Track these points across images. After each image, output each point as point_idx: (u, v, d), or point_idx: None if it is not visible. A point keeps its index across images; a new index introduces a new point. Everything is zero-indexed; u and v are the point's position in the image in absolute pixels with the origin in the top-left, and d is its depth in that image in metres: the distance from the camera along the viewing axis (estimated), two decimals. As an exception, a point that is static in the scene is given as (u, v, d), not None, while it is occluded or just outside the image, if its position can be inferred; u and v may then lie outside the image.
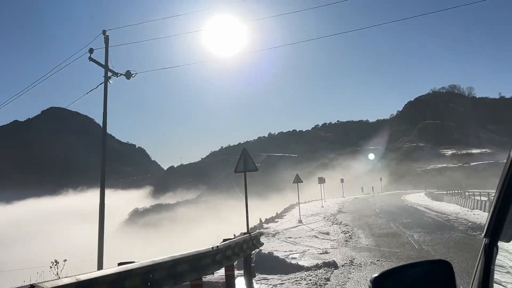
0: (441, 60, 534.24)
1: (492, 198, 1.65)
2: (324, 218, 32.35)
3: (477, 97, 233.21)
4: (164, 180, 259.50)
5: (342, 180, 73.72)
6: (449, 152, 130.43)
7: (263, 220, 32.87)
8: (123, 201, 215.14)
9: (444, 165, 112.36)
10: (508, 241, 1.55)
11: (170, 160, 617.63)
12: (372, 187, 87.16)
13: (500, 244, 1.57)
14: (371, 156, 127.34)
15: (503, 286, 1.55)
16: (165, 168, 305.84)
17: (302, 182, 35.59)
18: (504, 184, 1.48)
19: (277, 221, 33.04)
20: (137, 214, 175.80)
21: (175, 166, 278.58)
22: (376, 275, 1.59)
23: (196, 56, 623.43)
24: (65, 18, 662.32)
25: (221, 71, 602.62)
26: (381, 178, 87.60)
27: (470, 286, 1.71)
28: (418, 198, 56.10)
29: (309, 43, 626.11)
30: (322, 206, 47.32)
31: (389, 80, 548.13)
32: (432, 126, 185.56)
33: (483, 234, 1.65)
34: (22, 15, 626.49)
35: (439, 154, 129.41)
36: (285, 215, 39.19)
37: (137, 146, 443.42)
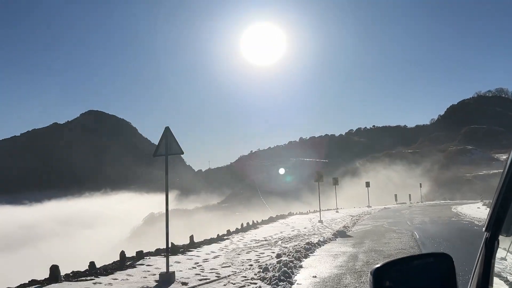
0: (487, 62, 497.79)
1: None
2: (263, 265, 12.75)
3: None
4: (191, 184, 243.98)
5: (367, 184, 53.34)
6: (503, 156, 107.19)
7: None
8: (145, 204, 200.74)
9: (501, 170, 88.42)
10: (508, 235, 1.52)
11: (203, 164, 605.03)
12: (409, 195, 66.18)
13: (501, 238, 1.53)
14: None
15: (504, 279, 1.51)
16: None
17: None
18: (506, 179, 1.45)
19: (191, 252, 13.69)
20: (152, 219, 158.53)
21: (203, 170, 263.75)
22: (377, 266, 1.54)
23: (230, 61, 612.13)
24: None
25: (254, 76, 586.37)
26: (420, 184, 66.48)
27: (471, 279, 1.67)
28: (478, 211, 34.85)
29: (343, 46, 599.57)
30: (320, 221, 27.59)
31: (429, 84, 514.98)
32: (479, 131, 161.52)
33: (483, 229, 1.61)
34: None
35: (492, 158, 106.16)
36: (226, 239, 19.60)
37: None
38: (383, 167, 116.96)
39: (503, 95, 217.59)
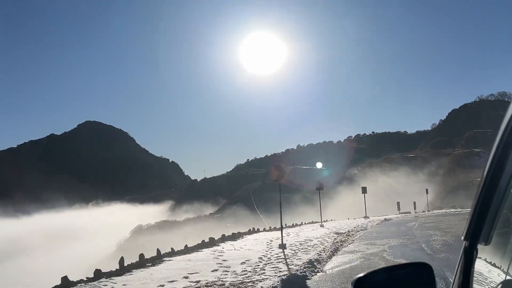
0: (489, 66, 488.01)
1: None
2: None
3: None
4: (186, 194, 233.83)
5: (363, 190, 43.63)
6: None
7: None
8: (136, 216, 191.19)
9: None
10: (487, 244, 1.52)
11: (202, 174, 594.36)
12: (414, 203, 56.30)
13: (480, 247, 1.54)
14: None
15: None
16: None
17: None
18: (484, 187, 1.46)
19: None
20: (140, 232, 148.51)
21: (198, 180, 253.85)
22: (358, 276, 1.52)
23: (227, 70, 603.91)
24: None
25: (251, 84, 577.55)
26: (427, 190, 56.50)
27: None
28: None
29: (342, 53, 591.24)
30: (282, 245, 17.23)
31: (429, 89, 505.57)
32: (483, 135, 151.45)
33: (462, 237, 1.62)
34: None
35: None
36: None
37: (170, 161, 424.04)
38: (382, 173, 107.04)
39: (506, 99, 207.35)
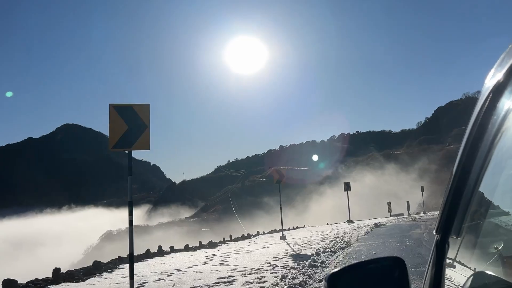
0: (474, 62, 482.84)
1: None
2: None
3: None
4: (163, 197, 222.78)
5: (346, 187, 33.62)
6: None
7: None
8: (108, 221, 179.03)
9: None
10: (458, 236, 1.54)
11: (182, 176, 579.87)
12: (408, 202, 46.51)
13: (451, 239, 1.57)
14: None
15: (453, 281, 1.53)
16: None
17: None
18: (454, 180, 1.48)
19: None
20: (109, 238, 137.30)
21: (177, 183, 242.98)
22: (331, 272, 1.52)
23: (208, 72, 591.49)
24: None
25: (234, 86, 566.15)
26: (422, 187, 46.71)
27: (423, 281, 1.68)
28: None
29: (325, 53, 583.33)
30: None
31: (414, 87, 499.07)
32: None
33: (434, 231, 1.63)
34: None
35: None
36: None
37: (151, 164, 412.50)
38: (369, 172, 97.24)
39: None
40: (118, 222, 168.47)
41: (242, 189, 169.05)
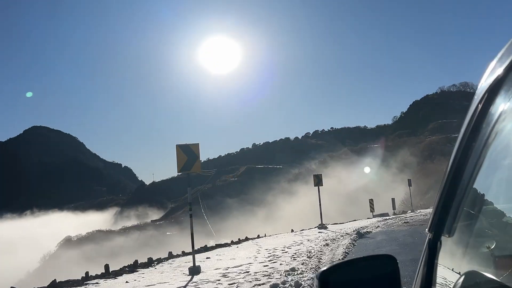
0: (448, 57, 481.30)
1: None
2: None
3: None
4: (132, 200, 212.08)
5: (317, 181, 25.05)
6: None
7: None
8: (71, 226, 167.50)
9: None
10: (450, 236, 1.54)
11: (154, 177, 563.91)
12: (393, 199, 38.41)
13: (443, 238, 1.56)
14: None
15: (446, 279, 1.54)
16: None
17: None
18: (448, 179, 1.48)
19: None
20: (68, 245, 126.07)
21: (147, 184, 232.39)
22: (322, 269, 1.50)
23: (178, 71, 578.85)
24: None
25: (205, 85, 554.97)
26: (409, 181, 38.76)
27: (415, 280, 1.66)
28: None
29: (299, 49, 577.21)
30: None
31: (389, 82, 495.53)
32: (449, 125, 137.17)
33: (426, 230, 1.63)
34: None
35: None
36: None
37: (123, 166, 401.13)
38: (344, 168, 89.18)
39: (468, 90, 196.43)
40: (81, 227, 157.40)
41: (213, 189, 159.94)
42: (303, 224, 38.94)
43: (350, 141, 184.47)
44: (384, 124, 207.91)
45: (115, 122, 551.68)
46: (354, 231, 20.37)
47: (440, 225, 1.55)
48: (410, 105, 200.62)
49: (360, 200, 52.48)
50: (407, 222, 24.90)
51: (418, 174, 55.89)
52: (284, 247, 14.70)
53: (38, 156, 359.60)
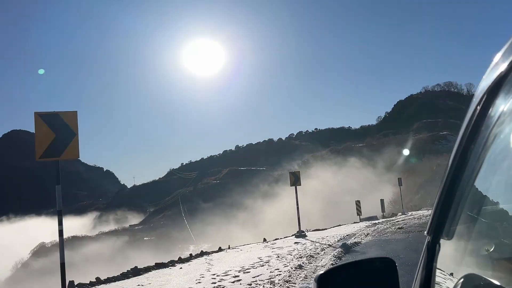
0: (433, 57, 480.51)
1: None
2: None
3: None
4: (112, 204, 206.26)
5: (294, 179, 20.79)
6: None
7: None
8: (47, 232, 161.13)
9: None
10: (449, 238, 1.53)
11: (136, 181, 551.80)
12: (382, 200, 34.49)
13: (442, 241, 1.55)
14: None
15: (444, 283, 1.54)
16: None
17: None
18: (446, 182, 1.47)
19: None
20: (42, 252, 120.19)
21: (128, 187, 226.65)
22: (321, 273, 1.50)
23: (158, 73, 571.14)
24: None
25: (187, 87, 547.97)
26: (399, 180, 34.74)
27: (414, 283, 1.65)
28: None
29: (281, 51, 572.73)
30: None
31: (373, 83, 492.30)
32: (434, 124, 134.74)
33: (425, 232, 1.62)
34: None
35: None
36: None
37: (105, 169, 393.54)
38: (329, 167, 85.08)
39: (452, 89, 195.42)
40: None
41: (194, 192, 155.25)
42: (282, 229, 34.79)
43: (334, 142, 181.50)
44: (369, 125, 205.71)
45: (97, 125, 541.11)
46: (338, 241, 16.18)
47: (439, 228, 1.53)
48: (394, 105, 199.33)
49: (345, 201, 48.52)
50: (401, 228, 20.86)
51: (406, 174, 52.11)
52: (240, 270, 10.42)
53: (17, 161, 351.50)
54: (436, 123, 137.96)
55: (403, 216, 30.71)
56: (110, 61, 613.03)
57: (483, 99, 1.26)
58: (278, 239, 20.11)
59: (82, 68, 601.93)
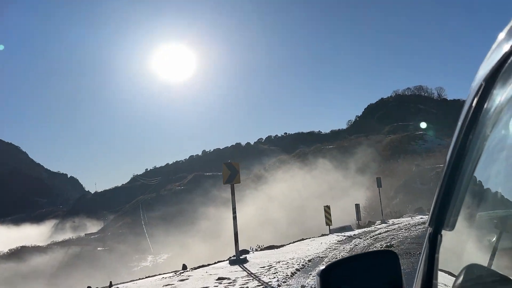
0: (403, 61, 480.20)
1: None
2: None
3: (449, 99, 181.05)
4: (72, 211, 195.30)
5: (230, 174, 13.80)
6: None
7: None
8: (5, 240, 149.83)
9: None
10: (451, 229, 1.53)
11: (99, 187, 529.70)
12: (357, 206, 27.76)
13: (444, 232, 1.55)
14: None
15: (446, 273, 1.54)
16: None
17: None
18: (446, 173, 1.48)
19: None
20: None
21: (91, 193, 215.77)
22: (323, 267, 1.50)
23: (126, 78, 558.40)
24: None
25: (154, 91, 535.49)
26: (379, 180, 28.35)
27: (416, 274, 1.66)
28: None
29: (250, 55, 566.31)
30: None
31: (343, 87, 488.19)
32: (405, 128, 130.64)
33: (427, 224, 1.63)
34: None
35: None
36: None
37: (69, 176, 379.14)
38: (297, 173, 78.50)
39: (423, 93, 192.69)
40: (11, 242, 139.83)
41: (157, 199, 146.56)
42: (245, 240, 27.97)
43: (303, 146, 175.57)
44: (339, 129, 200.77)
45: (60, 130, 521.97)
46: (292, 274, 9.18)
47: (440, 219, 1.53)
48: (365, 109, 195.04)
49: (314, 207, 41.91)
50: (390, 246, 14.11)
51: (381, 176, 46.21)
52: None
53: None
54: (407, 126, 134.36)
55: (383, 225, 24.27)
56: (73, 66, 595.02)
57: (481, 89, 1.26)
58: (202, 266, 12.93)
59: (43, 73, 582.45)
